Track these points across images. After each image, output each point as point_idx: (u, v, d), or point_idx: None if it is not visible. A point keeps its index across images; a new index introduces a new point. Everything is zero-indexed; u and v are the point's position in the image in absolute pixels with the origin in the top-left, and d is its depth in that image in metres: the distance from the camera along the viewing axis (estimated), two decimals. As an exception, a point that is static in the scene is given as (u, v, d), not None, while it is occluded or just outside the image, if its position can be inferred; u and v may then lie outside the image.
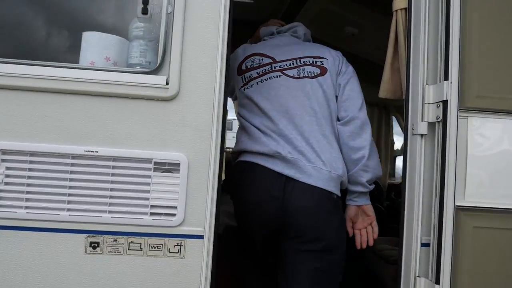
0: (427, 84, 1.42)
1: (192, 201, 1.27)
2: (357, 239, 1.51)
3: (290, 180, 1.40)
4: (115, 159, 1.24)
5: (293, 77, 1.51)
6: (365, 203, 1.51)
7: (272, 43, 1.68)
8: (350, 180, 1.49)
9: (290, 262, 1.44)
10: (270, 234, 1.46)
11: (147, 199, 1.25)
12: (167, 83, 1.26)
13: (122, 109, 1.25)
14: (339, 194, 1.46)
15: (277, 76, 1.52)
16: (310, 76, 1.50)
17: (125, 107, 1.25)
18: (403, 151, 1.48)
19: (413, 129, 1.44)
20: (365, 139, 1.48)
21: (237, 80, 1.62)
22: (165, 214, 1.26)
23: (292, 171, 1.40)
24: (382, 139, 3.77)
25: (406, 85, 1.48)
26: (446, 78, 1.35)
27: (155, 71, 1.27)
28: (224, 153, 1.44)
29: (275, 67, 1.54)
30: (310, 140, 1.42)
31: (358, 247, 1.51)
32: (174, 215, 1.26)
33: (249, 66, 1.58)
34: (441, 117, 1.35)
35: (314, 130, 1.44)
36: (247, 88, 1.56)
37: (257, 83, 1.53)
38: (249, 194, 1.45)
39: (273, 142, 1.42)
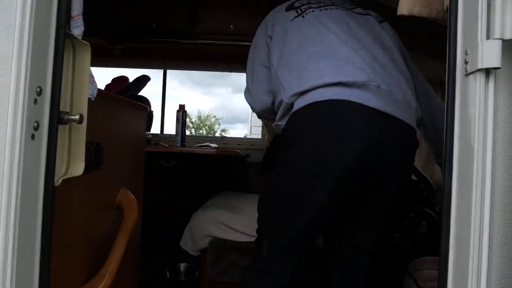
0: (499, -44, 0.64)
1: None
2: None
3: (389, 118, 1.09)
4: None
5: (360, 14, 1.31)
6: None
7: None
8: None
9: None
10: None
11: None
12: None
13: None
14: None
15: (342, 9, 1.29)
16: (377, 19, 1.32)
17: None
18: (446, 107, 0.71)
19: (466, 62, 0.67)
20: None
21: (282, 19, 1.30)
22: None
23: (390, 107, 1.09)
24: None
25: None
26: None
27: None
28: (67, 124, 0.75)
29: (338, 4, 1.32)
30: (392, 73, 1.17)
31: None
32: None
33: (304, 3, 1.33)
34: (536, 24, 0.58)
35: (391, 67, 1.18)
36: (303, 16, 1.26)
37: (320, 10, 1.27)
38: (340, 145, 1.06)
39: (358, 66, 1.11)
